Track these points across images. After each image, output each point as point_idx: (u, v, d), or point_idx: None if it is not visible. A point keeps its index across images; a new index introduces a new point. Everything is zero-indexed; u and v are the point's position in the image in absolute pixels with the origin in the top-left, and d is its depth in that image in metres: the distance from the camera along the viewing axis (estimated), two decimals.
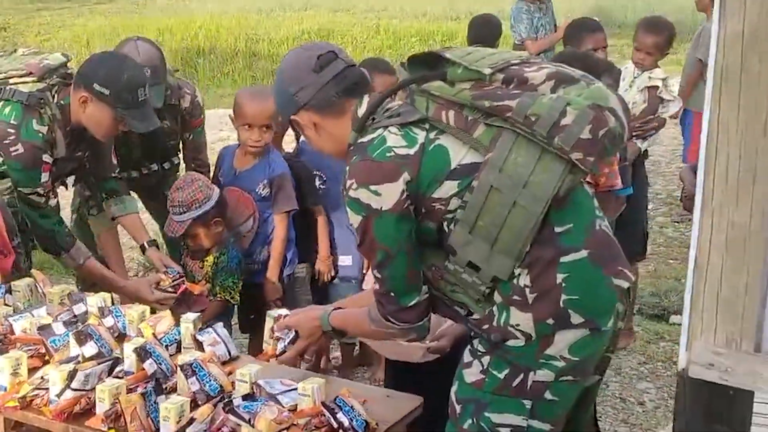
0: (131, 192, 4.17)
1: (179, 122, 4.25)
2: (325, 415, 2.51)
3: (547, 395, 2.30)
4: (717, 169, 1.77)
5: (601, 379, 2.57)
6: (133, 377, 2.73)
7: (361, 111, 2.38)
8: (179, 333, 2.99)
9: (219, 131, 8.20)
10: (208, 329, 2.99)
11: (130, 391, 2.64)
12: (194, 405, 2.57)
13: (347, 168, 2.33)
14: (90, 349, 2.84)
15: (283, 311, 2.96)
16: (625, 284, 2.34)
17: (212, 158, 4.35)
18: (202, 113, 4.11)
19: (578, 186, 2.31)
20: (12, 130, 3.49)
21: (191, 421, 2.43)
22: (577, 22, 5.47)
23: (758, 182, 1.73)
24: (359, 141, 2.34)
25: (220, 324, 3.06)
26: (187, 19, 14.48)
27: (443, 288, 2.38)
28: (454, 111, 2.27)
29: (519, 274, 2.27)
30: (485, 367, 2.34)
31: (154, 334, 2.94)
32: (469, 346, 2.42)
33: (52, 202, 3.65)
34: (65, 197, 4.16)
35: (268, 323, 2.92)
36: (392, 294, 2.38)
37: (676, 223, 6.70)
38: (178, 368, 2.68)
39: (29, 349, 2.92)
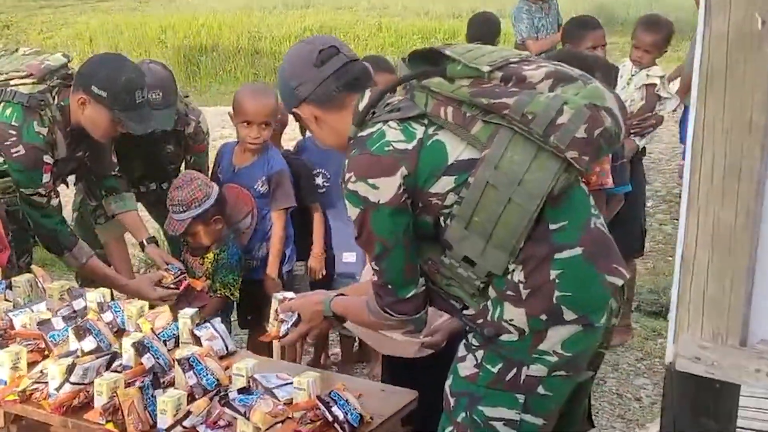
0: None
1: (182, 147, 4.25)
2: (320, 409, 2.54)
3: (540, 390, 2.33)
4: (703, 168, 1.79)
5: (595, 374, 2.59)
6: (131, 371, 2.76)
7: (362, 105, 2.41)
8: (177, 328, 3.02)
9: (221, 129, 8.24)
10: (205, 324, 3.03)
11: (128, 385, 2.66)
12: (191, 399, 2.61)
13: (346, 161, 2.36)
14: (89, 343, 2.88)
15: (289, 294, 2.99)
16: (619, 282, 2.37)
17: (211, 155, 4.37)
18: (205, 139, 4.11)
19: (574, 184, 2.33)
20: (13, 132, 3.52)
21: (188, 414, 2.46)
22: (576, 20, 5.49)
23: (743, 180, 1.75)
24: (359, 135, 2.37)
25: (218, 319, 3.10)
26: (190, 16, 14.49)
27: (439, 281, 2.41)
28: (453, 107, 2.30)
29: (513, 270, 2.29)
30: (479, 361, 2.36)
31: (152, 329, 2.97)
32: (463, 341, 2.45)
33: (54, 201, 3.68)
34: (66, 195, 4.20)
35: (274, 305, 2.95)
36: (390, 286, 2.42)
37: (675, 221, 6.72)
38: (176, 362, 2.71)
39: (29, 344, 2.96)
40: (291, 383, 2.67)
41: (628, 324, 4.90)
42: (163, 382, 2.70)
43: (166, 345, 2.91)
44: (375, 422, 2.60)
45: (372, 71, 2.56)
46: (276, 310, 2.92)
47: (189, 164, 4.34)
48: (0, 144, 3.55)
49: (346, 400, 2.56)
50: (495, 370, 2.33)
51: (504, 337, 2.32)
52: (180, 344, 2.98)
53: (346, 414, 2.52)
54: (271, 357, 3.48)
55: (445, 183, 2.29)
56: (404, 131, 2.31)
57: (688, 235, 1.84)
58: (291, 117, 4.48)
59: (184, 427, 2.46)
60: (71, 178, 4.07)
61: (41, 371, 2.80)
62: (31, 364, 2.88)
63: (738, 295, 1.80)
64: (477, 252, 2.29)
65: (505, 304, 2.31)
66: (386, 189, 2.28)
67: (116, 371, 2.76)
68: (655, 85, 4.73)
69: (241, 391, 2.58)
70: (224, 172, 4.01)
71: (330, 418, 2.52)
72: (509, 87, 2.28)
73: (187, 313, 3.08)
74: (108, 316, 3.09)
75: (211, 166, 4.27)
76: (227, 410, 2.45)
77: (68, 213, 4.28)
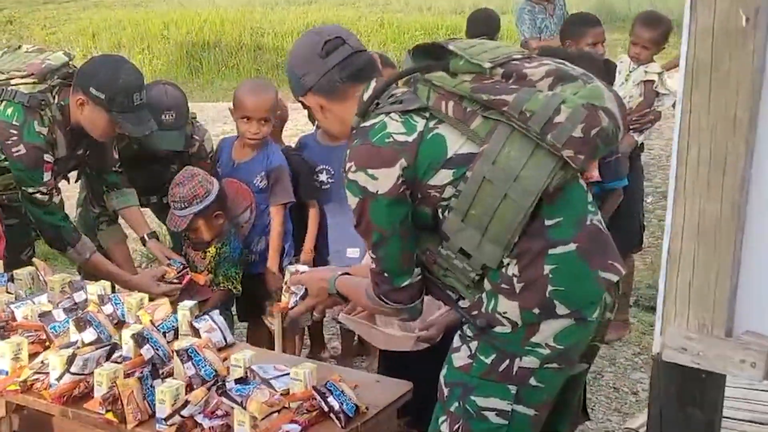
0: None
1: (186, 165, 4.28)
2: (316, 399, 2.57)
3: (532, 381, 2.36)
4: (689, 162, 1.81)
5: (589, 367, 2.62)
6: (130, 362, 2.80)
7: (367, 96, 2.45)
8: (176, 320, 3.06)
9: (223, 124, 8.26)
10: (204, 316, 3.06)
11: (127, 375, 2.70)
12: (190, 389, 2.64)
13: (348, 150, 2.40)
14: (89, 335, 2.91)
15: (302, 267, 3.06)
16: (614, 278, 2.40)
17: None
18: (207, 156, 4.15)
19: (571, 181, 2.36)
20: (14, 131, 3.55)
21: (186, 403, 2.49)
22: (576, 18, 5.52)
23: (728, 174, 1.77)
24: (361, 125, 2.41)
25: (216, 311, 3.14)
26: (192, 12, 14.48)
27: (436, 272, 2.45)
28: (454, 102, 2.33)
29: (508, 264, 2.33)
30: (473, 352, 2.40)
31: (151, 321, 3.01)
32: (459, 332, 2.48)
33: (56, 199, 3.71)
34: (68, 190, 4.23)
35: (286, 277, 3.03)
36: (386, 274, 2.46)
37: None
38: (175, 354, 2.75)
39: (30, 335, 2.99)
40: (288, 374, 2.70)
41: (625, 319, 4.94)
42: (162, 373, 2.73)
43: (165, 337, 2.94)
44: (370, 412, 2.63)
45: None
46: (286, 282, 2.99)
47: None
48: (1, 143, 3.58)
49: (342, 391, 2.59)
50: (488, 361, 2.37)
51: (497, 329, 2.35)
52: (179, 336, 3.02)
53: (342, 404, 2.55)
54: (271, 350, 3.53)
55: (444, 176, 2.32)
56: (405, 123, 2.34)
57: (675, 227, 1.86)
58: (290, 115, 4.56)
59: (182, 417, 2.49)
60: (73, 175, 4.10)
61: (42, 362, 2.83)
62: (33, 355, 2.91)
63: (723, 286, 1.83)
64: (473, 245, 2.32)
65: (499, 297, 2.34)
66: (385, 180, 2.32)
67: (116, 362, 2.79)
68: (653, 81, 4.76)
69: (238, 381, 2.61)
70: (224, 166, 4.05)
71: (326, 408, 2.56)
72: (510, 84, 2.31)
73: (186, 305, 3.11)
74: (108, 308, 3.12)
75: None
76: (224, 400, 2.47)
77: (72, 206, 4.31)
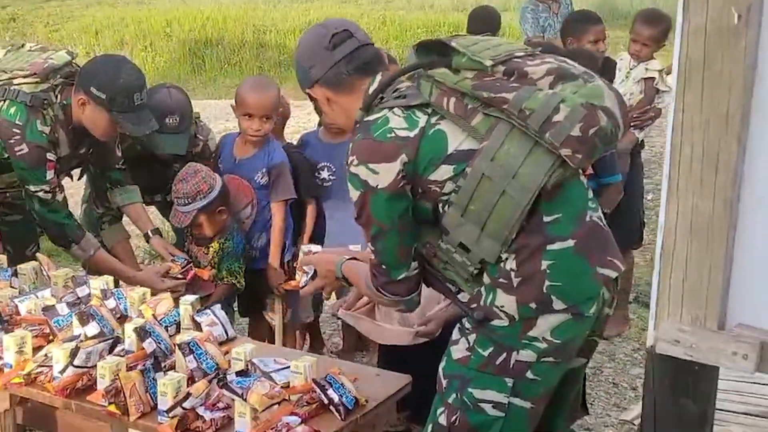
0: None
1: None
2: (316, 392, 2.60)
3: (529, 375, 2.38)
4: (682, 160, 1.84)
5: (588, 361, 2.64)
6: (132, 356, 2.82)
7: (372, 89, 2.47)
8: (179, 314, 3.08)
9: (225, 122, 8.28)
10: (206, 311, 3.09)
11: (130, 368, 2.72)
12: (191, 382, 2.65)
13: (351, 144, 2.43)
14: (92, 329, 2.93)
15: (315, 247, 3.11)
16: (613, 274, 2.41)
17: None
18: (211, 156, 4.17)
19: (571, 178, 2.38)
20: (17, 131, 3.57)
21: (187, 395, 2.51)
22: (577, 15, 5.54)
23: (720, 171, 1.80)
24: (365, 119, 2.43)
25: (218, 306, 3.16)
26: (195, 9, 14.51)
27: (436, 265, 2.48)
28: (455, 98, 2.35)
29: (506, 259, 2.35)
30: (471, 344, 2.42)
31: (153, 315, 3.02)
32: (458, 325, 2.50)
33: (59, 196, 3.73)
34: (72, 186, 4.26)
35: (300, 256, 3.08)
36: (384, 266, 2.49)
37: None
38: (177, 347, 2.77)
39: (34, 329, 3.00)
40: (288, 367, 2.73)
41: (625, 315, 4.96)
42: (164, 366, 2.75)
43: (167, 331, 2.96)
44: (370, 405, 2.66)
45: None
46: (299, 261, 3.04)
47: None
48: (4, 141, 3.61)
49: (342, 384, 2.61)
50: (486, 353, 2.39)
51: (495, 323, 2.38)
52: (181, 330, 3.04)
53: (342, 397, 2.58)
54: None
55: (444, 171, 2.35)
56: (407, 119, 2.36)
57: (668, 224, 1.89)
58: (292, 112, 4.58)
59: (183, 409, 2.51)
60: (76, 172, 4.13)
61: (46, 355, 2.85)
62: (36, 349, 2.93)
63: (716, 280, 1.86)
64: (472, 239, 2.35)
65: (497, 291, 2.36)
66: (386, 174, 2.35)
67: (119, 356, 2.81)
68: (653, 78, 4.78)
69: (239, 373, 2.63)
70: (225, 163, 4.07)
71: (326, 401, 2.58)
72: (511, 82, 2.32)
73: (188, 299, 3.14)
74: (111, 303, 3.14)
75: None
76: (225, 392, 2.49)
77: (76, 203, 4.34)
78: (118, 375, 2.64)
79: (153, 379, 2.63)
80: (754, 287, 1.86)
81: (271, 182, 3.98)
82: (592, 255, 2.39)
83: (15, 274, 3.46)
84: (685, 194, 1.86)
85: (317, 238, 4.16)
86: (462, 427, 2.43)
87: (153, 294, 3.27)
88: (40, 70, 3.65)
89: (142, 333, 2.85)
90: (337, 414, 2.58)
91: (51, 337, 3.01)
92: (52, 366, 2.78)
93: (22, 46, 3.91)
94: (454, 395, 2.45)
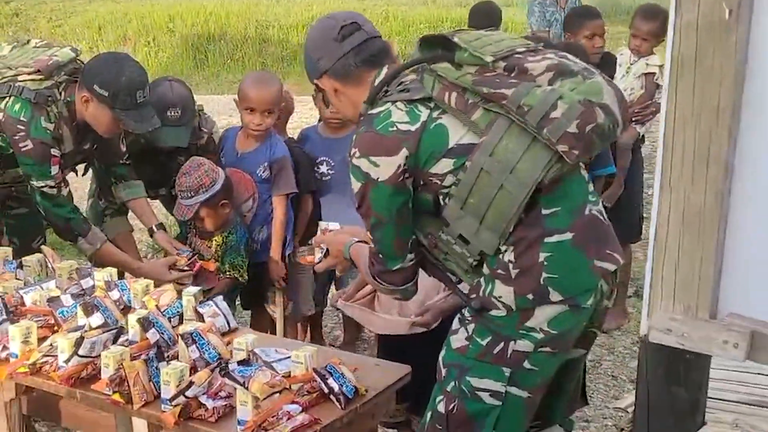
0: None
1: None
2: (316, 381, 2.63)
3: (526, 364, 2.41)
4: (674, 153, 1.87)
5: (587, 353, 2.67)
6: (136, 346, 2.84)
7: (378, 82, 2.50)
8: (181, 306, 3.10)
9: (228, 117, 8.30)
10: (208, 302, 3.11)
11: (133, 358, 2.73)
12: (194, 371, 2.67)
13: (354, 136, 2.47)
14: (96, 319, 2.95)
15: (332, 225, 3.13)
16: (611, 267, 2.44)
17: None
18: (216, 148, 4.21)
19: (571, 171, 2.41)
20: (22, 127, 3.60)
21: (190, 384, 2.54)
22: (577, 10, 5.57)
23: (712, 164, 1.83)
24: (369, 112, 2.47)
25: (220, 297, 3.19)
26: (198, 5, 14.51)
27: (438, 256, 2.52)
28: (457, 93, 2.38)
29: (505, 250, 2.39)
30: (470, 334, 2.46)
31: (157, 306, 3.05)
32: (458, 315, 2.54)
33: (64, 191, 3.77)
34: (76, 181, 4.29)
35: (317, 233, 3.11)
36: (381, 256, 2.54)
37: None
38: (179, 337, 2.80)
39: (39, 320, 3.03)
40: (289, 357, 2.76)
41: (624, 308, 5.00)
42: (167, 356, 2.78)
43: (170, 322, 2.99)
44: (369, 394, 2.69)
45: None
46: (315, 239, 3.08)
47: None
48: (9, 137, 3.65)
49: (342, 374, 2.64)
50: (484, 343, 2.42)
51: (493, 313, 2.41)
52: (184, 321, 3.06)
53: (342, 386, 2.61)
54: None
55: (445, 165, 2.39)
56: (410, 113, 2.40)
57: (661, 215, 1.93)
58: (295, 107, 4.61)
59: (186, 397, 2.54)
60: (80, 167, 4.16)
61: (51, 345, 2.88)
62: (41, 339, 2.96)
63: (707, 271, 1.89)
64: (471, 231, 2.39)
65: (496, 282, 2.40)
66: (386, 167, 2.39)
67: (122, 346, 2.83)
68: (654, 73, 4.80)
69: (240, 363, 2.66)
70: (227, 156, 4.11)
71: (326, 390, 2.61)
72: (511, 78, 2.36)
73: (191, 291, 3.17)
74: (115, 294, 3.17)
75: None
76: (227, 381, 2.52)
77: (80, 197, 4.37)
78: (122, 364, 2.67)
79: (156, 368, 2.66)
80: (744, 277, 1.89)
81: (272, 176, 4.01)
82: (590, 248, 2.41)
83: (20, 266, 3.49)
84: (677, 187, 1.89)
85: (312, 233, 4.20)
86: (460, 415, 2.47)
87: (156, 285, 3.30)
88: (44, 67, 3.68)
89: (146, 323, 2.88)
90: (337, 403, 2.61)
91: (56, 328, 3.04)
92: (57, 356, 2.81)
93: (27, 42, 3.94)
94: (452, 384, 2.48)
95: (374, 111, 2.45)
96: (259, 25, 13.77)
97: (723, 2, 1.76)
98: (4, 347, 2.94)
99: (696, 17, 1.80)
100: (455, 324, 2.53)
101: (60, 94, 3.70)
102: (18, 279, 3.40)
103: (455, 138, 2.38)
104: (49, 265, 3.51)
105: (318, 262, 2.99)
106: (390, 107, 2.42)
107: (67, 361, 2.77)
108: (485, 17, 5.88)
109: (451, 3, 15.09)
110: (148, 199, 4.22)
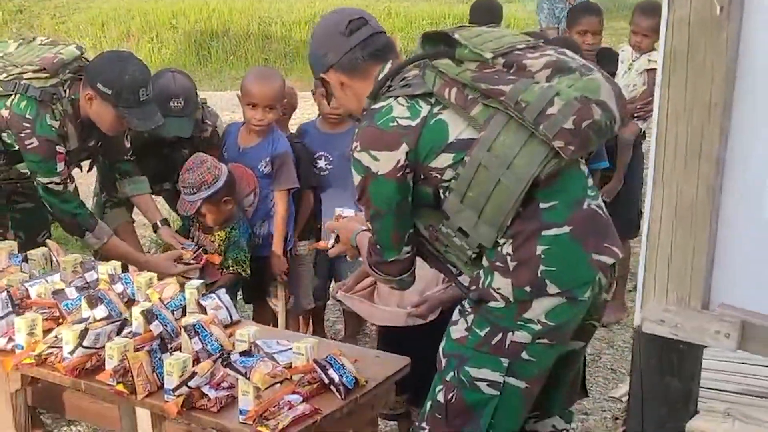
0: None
1: (197, 150, 4.31)
2: (317, 372, 2.66)
3: (524, 355, 2.45)
4: (667, 147, 1.90)
5: (586, 345, 2.71)
6: (140, 338, 2.88)
7: (382, 76, 2.54)
8: (184, 298, 3.13)
9: (231, 113, 8.32)
10: (211, 295, 3.15)
11: (137, 350, 2.77)
12: (197, 362, 2.71)
13: (356, 130, 2.51)
14: (100, 311, 3.00)
15: (346, 211, 3.16)
16: (609, 260, 2.47)
17: None
18: (219, 142, 4.23)
19: (572, 166, 2.45)
20: (27, 125, 3.64)
21: (193, 375, 2.58)
22: (577, 6, 5.58)
23: (703, 158, 1.86)
24: (372, 107, 2.51)
25: (223, 290, 3.22)
26: (201, 1, 14.49)
27: (438, 248, 2.56)
28: (457, 89, 2.42)
29: (503, 243, 2.43)
30: (469, 324, 2.50)
31: (160, 298, 3.09)
32: (459, 306, 2.58)
33: (71, 187, 3.80)
34: (81, 177, 4.33)
35: (332, 219, 3.15)
36: (378, 246, 2.59)
37: None
38: (182, 329, 2.83)
39: (44, 312, 3.07)
40: (290, 348, 2.79)
41: (623, 303, 5.02)
42: (171, 348, 2.81)
43: (173, 314, 3.02)
44: (369, 385, 2.73)
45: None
46: (328, 225, 3.12)
47: None
48: (15, 135, 3.68)
49: (342, 365, 2.68)
50: (482, 333, 2.46)
51: (491, 304, 2.45)
52: (186, 313, 3.09)
53: (342, 377, 2.65)
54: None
55: (444, 159, 2.43)
56: (410, 108, 2.44)
57: (654, 208, 1.96)
58: (297, 105, 4.63)
59: (189, 388, 2.58)
60: (85, 164, 4.19)
61: (56, 336, 2.92)
62: (46, 331, 2.99)
63: (700, 263, 1.92)
64: (470, 225, 2.43)
65: (494, 274, 2.44)
66: (386, 162, 2.43)
67: (126, 337, 2.87)
68: (656, 69, 4.80)
69: (242, 354, 2.70)
70: (230, 151, 4.13)
71: (326, 381, 2.65)
72: (510, 74, 2.39)
73: (193, 284, 3.21)
74: (119, 287, 3.21)
75: None
76: (229, 371, 2.56)
77: (85, 193, 4.41)
78: (125, 355, 2.71)
79: (159, 359, 2.70)
80: (736, 269, 1.92)
81: (274, 171, 4.04)
82: (588, 241, 2.45)
83: (25, 259, 3.52)
84: (670, 180, 1.92)
85: (312, 228, 4.24)
86: (458, 404, 2.51)
87: (160, 279, 3.34)
88: (49, 65, 3.71)
89: (149, 316, 2.91)
90: (337, 393, 2.65)
91: (60, 320, 3.07)
92: (62, 347, 2.85)
93: (33, 39, 3.96)
94: (451, 373, 2.52)
95: (376, 106, 2.49)
96: (261, 22, 13.77)
97: None
98: (10, 339, 2.98)
99: (688, 13, 1.83)
100: (455, 315, 2.57)
101: (65, 91, 3.73)
102: (23, 272, 3.44)
103: (455, 133, 2.42)
104: (54, 259, 3.55)
105: (330, 247, 3.04)
106: (392, 102, 2.46)
107: (71, 352, 2.81)
108: (486, 13, 5.90)
109: None
110: (152, 195, 4.25)
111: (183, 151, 4.11)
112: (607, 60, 4.84)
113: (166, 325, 2.90)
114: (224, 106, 8.31)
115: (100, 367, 2.80)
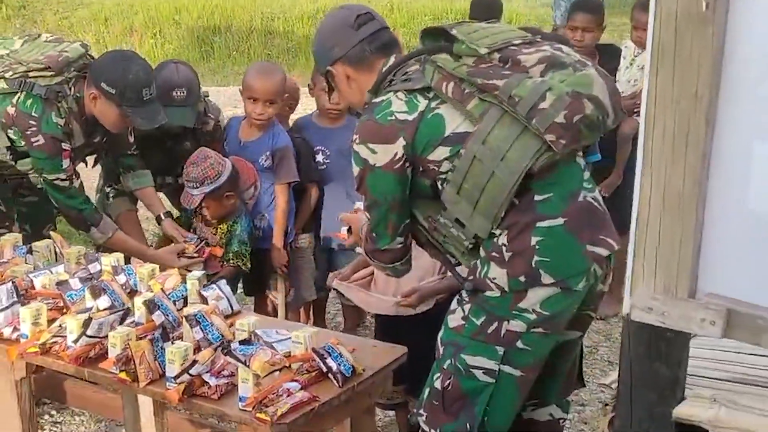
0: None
1: (200, 144, 4.32)
2: (315, 360, 2.70)
3: (519, 344, 2.50)
4: (654, 137, 1.94)
5: (582, 335, 2.75)
6: (142, 327, 2.92)
7: (383, 71, 2.61)
8: (186, 289, 3.18)
9: (233, 108, 8.37)
10: (212, 285, 3.20)
11: (139, 338, 2.81)
12: (197, 351, 2.74)
13: (357, 123, 2.58)
14: (104, 302, 3.04)
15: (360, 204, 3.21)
16: (604, 252, 2.52)
17: None
18: (222, 136, 4.29)
19: (568, 158, 2.51)
20: (33, 122, 3.69)
21: (194, 363, 2.63)
22: (578, 2, 5.60)
23: (690, 147, 1.90)
24: (372, 101, 2.58)
25: (224, 281, 3.27)
26: None
27: (437, 238, 2.62)
28: (454, 83, 2.47)
29: (499, 234, 2.48)
30: (466, 313, 2.56)
31: (162, 289, 3.13)
32: (457, 295, 2.63)
33: (76, 183, 3.85)
34: (86, 171, 4.37)
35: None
36: (373, 234, 2.66)
37: None
38: (184, 319, 2.88)
39: (48, 302, 3.11)
40: (289, 338, 2.84)
41: (621, 296, 5.04)
42: (172, 337, 2.85)
43: (175, 305, 3.06)
44: (366, 373, 2.77)
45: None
46: (343, 216, 3.16)
47: None
48: (21, 132, 3.72)
49: (340, 353, 2.72)
50: (478, 322, 2.52)
51: (488, 293, 2.51)
52: (188, 303, 3.14)
53: (340, 365, 2.69)
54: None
55: (441, 152, 2.49)
56: (409, 103, 2.50)
57: (642, 197, 2.00)
58: (299, 99, 4.67)
59: (190, 375, 2.63)
60: (90, 159, 4.23)
61: (60, 326, 2.95)
62: (51, 321, 3.03)
63: (687, 252, 1.96)
64: (466, 216, 2.49)
65: (490, 264, 2.49)
66: (384, 155, 2.50)
67: (129, 327, 2.91)
68: None
69: (242, 342, 2.74)
70: (231, 145, 4.18)
71: (324, 369, 2.69)
72: (504, 69, 2.45)
73: (195, 275, 3.25)
74: (122, 278, 3.25)
75: None
76: (229, 359, 2.60)
77: (89, 188, 4.45)
78: (128, 344, 2.75)
79: (161, 348, 2.74)
80: (722, 258, 1.96)
81: (274, 165, 4.09)
82: (583, 233, 2.49)
83: (30, 251, 3.57)
84: (657, 170, 1.96)
85: (313, 222, 4.28)
86: (455, 391, 2.56)
87: (162, 270, 3.38)
88: (54, 63, 3.75)
89: (151, 306, 2.96)
90: (334, 381, 2.69)
91: (65, 311, 3.11)
92: (66, 336, 2.89)
93: (38, 36, 4.00)
94: (449, 361, 2.57)
95: (377, 100, 2.56)
96: (264, 17, 13.79)
97: None
98: (15, 328, 3.02)
99: (675, 9, 1.87)
100: (453, 304, 2.63)
101: (70, 89, 3.78)
102: (28, 264, 3.48)
103: (451, 127, 2.48)
104: (58, 251, 3.59)
105: (347, 239, 3.10)
106: (391, 97, 2.52)
107: (75, 341, 2.85)
108: (486, 9, 5.93)
109: None
110: (156, 189, 4.29)
111: (186, 144, 4.15)
112: (610, 56, 4.85)
113: (167, 315, 2.94)
114: (227, 101, 8.35)
115: (104, 355, 2.84)
